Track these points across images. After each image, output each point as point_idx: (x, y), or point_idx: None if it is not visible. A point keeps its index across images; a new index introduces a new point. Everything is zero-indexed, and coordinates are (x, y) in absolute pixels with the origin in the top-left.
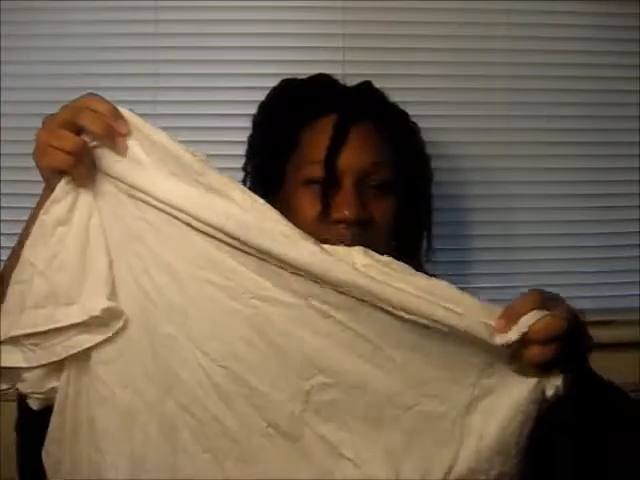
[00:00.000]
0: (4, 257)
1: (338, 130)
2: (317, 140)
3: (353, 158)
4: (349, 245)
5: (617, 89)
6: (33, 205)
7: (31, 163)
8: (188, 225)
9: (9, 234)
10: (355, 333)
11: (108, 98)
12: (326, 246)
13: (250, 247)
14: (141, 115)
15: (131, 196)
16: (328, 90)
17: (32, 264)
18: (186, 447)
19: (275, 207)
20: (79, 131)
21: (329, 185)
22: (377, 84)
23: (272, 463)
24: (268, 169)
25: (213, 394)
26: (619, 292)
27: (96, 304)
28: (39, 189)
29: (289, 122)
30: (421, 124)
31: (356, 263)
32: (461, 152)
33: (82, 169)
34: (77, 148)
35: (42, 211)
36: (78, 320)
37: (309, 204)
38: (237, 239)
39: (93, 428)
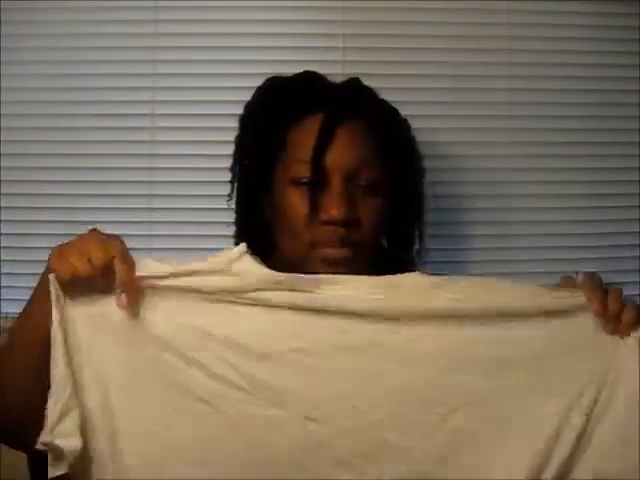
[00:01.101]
0: (4, 257)
1: (325, 129)
2: (304, 139)
3: (341, 157)
4: (338, 246)
5: (618, 89)
6: (33, 205)
7: (31, 163)
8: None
9: (9, 234)
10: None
11: (107, 98)
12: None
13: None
14: (139, 115)
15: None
16: (315, 88)
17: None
18: None
19: (266, 208)
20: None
21: (317, 185)
22: (377, 84)
23: None
24: (256, 170)
25: (327, 458)
26: None
27: (42, 437)
28: (39, 189)
29: (276, 121)
30: (421, 124)
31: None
32: (461, 152)
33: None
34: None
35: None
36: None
37: (298, 204)
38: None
39: None
